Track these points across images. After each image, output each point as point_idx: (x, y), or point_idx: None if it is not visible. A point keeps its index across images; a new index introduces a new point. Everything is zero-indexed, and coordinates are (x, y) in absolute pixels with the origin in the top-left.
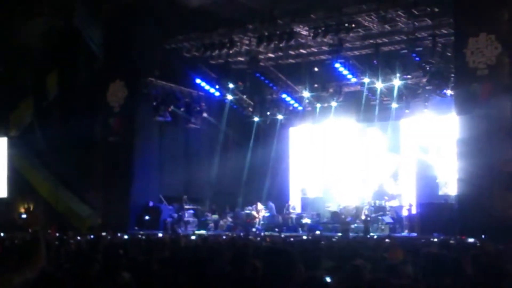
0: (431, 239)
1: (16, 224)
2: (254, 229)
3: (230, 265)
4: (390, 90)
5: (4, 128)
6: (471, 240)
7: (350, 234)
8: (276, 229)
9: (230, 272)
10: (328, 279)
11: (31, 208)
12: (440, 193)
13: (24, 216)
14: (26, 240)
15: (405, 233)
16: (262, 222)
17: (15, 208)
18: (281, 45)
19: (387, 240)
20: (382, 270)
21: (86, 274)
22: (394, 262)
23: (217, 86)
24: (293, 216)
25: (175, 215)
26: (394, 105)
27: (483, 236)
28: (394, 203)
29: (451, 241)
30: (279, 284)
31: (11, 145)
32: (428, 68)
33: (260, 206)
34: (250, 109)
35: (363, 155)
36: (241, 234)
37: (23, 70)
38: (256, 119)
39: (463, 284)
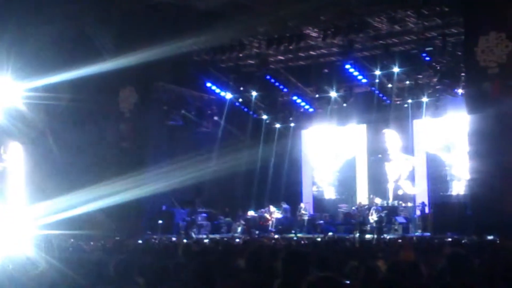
0: (445, 239)
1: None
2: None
3: (246, 268)
4: (401, 90)
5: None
6: (490, 237)
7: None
8: (293, 231)
9: (246, 274)
10: (345, 281)
11: None
12: (452, 192)
13: None
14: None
15: (419, 233)
16: (275, 224)
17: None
18: (291, 47)
19: (399, 240)
20: (396, 271)
21: (100, 279)
22: (407, 263)
23: (227, 90)
24: (306, 218)
25: (188, 219)
26: (405, 105)
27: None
28: (409, 203)
29: (465, 240)
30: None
31: (24, 151)
32: (438, 68)
33: (272, 208)
34: (261, 111)
35: (375, 156)
36: (255, 236)
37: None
38: (267, 121)
39: (479, 283)
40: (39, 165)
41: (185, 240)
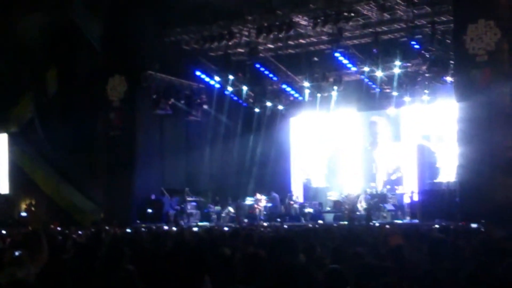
0: (432, 226)
1: (18, 221)
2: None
3: (234, 254)
4: (390, 78)
5: (4, 124)
6: (474, 225)
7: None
8: (278, 219)
9: (232, 260)
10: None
11: (32, 206)
12: (441, 179)
13: (24, 214)
14: (28, 237)
15: (407, 220)
16: (264, 212)
17: (16, 205)
18: (280, 35)
19: (387, 226)
20: (383, 256)
21: (89, 267)
22: (394, 247)
23: (217, 78)
24: (296, 206)
25: (178, 208)
26: (395, 93)
27: (483, 221)
28: (397, 190)
29: (452, 227)
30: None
31: (12, 142)
32: (428, 56)
33: (259, 196)
34: (251, 100)
35: (364, 144)
36: (244, 224)
37: (22, 66)
38: (256, 110)
39: (462, 268)
40: (27, 155)
41: (174, 229)
